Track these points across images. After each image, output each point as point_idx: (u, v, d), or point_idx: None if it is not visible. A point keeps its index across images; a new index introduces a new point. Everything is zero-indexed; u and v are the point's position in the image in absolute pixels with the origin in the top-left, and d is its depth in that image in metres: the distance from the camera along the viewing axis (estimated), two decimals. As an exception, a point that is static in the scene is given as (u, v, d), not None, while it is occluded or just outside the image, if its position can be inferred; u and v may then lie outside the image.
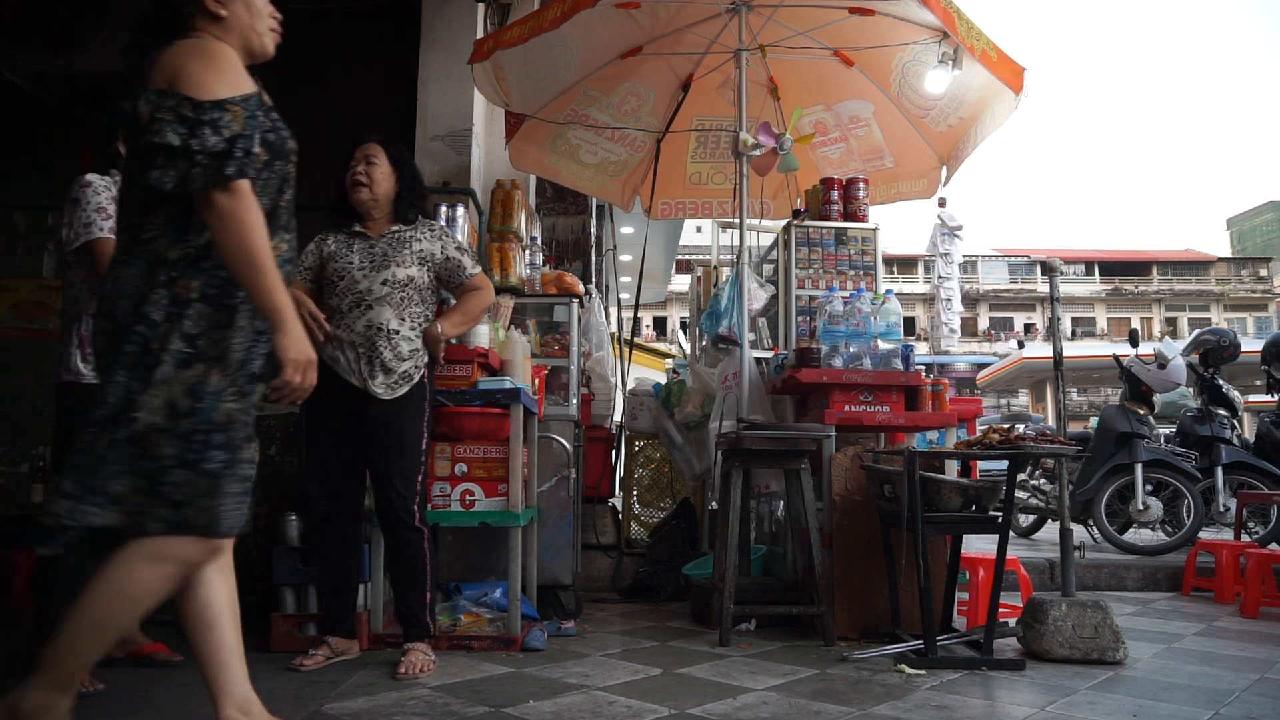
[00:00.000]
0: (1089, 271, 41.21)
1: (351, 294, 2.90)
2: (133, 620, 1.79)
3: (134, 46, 1.87)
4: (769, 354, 4.40)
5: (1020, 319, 40.23)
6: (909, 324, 36.27)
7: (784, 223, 4.62)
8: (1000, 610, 3.16)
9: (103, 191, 2.77)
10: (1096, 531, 5.66)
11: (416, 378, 2.93)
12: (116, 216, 1.92)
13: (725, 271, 5.07)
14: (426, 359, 2.99)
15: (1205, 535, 5.52)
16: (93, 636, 1.73)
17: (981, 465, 5.52)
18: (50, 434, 2.82)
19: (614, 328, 6.32)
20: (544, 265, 4.78)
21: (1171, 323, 39.16)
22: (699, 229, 16.93)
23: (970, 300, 37.78)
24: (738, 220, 4.24)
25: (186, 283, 1.76)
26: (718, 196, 5.54)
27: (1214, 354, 5.95)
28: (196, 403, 1.74)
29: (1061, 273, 3.58)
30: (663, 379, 5.46)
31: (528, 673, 2.79)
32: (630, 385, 5.67)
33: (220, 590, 1.84)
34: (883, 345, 3.73)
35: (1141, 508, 5.40)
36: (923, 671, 2.85)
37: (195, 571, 1.80)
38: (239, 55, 1.86)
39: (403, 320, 2.92)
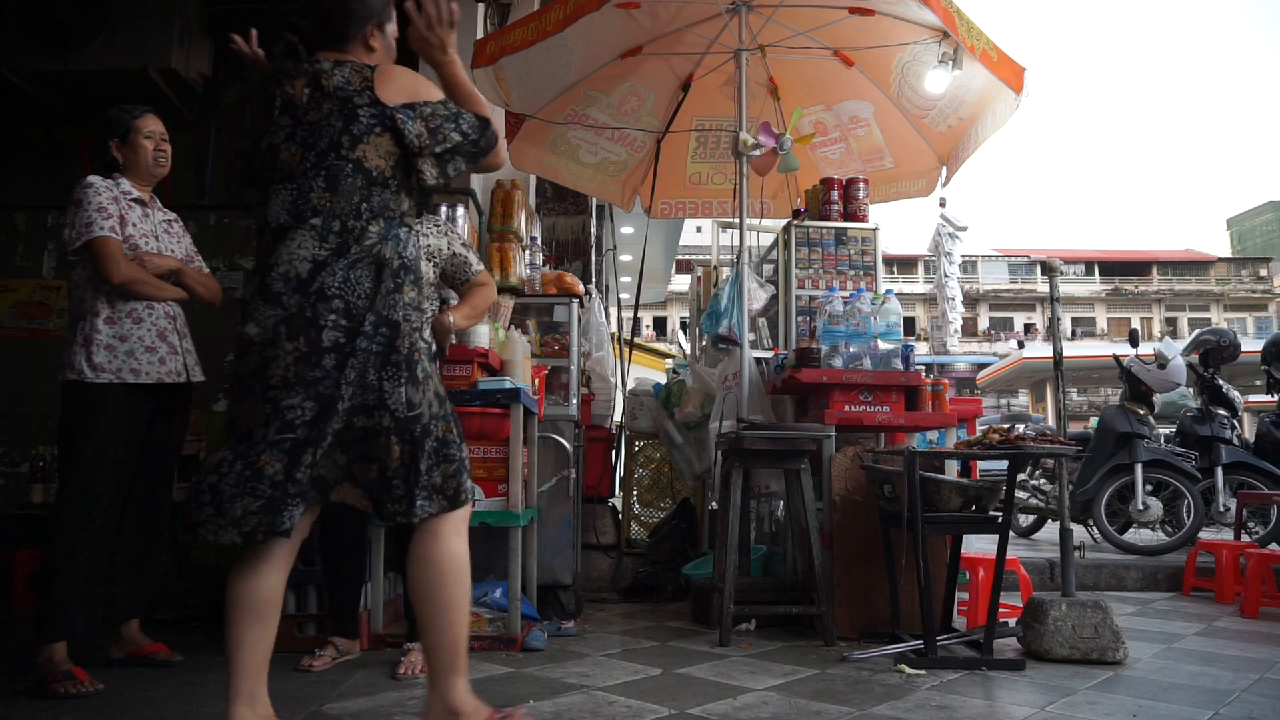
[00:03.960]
0: (1089, 271, 41.24)
1: None
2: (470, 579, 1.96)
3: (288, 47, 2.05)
4: (769, 354, 4.40)
5: (1020, 319, 40.26)
6: (909, 324, 36.29)
7: (784, 223, 4.62)
8: (1000, 610, 3.16)
9: (104, 192, 2.76)
10: (1096, 531, 5.66)
11: None
12: None
13: (725, 271, 5.07)
14: (434, 350, 2.96)
15: (1205, 535, 5.51)
16: (457, 619, 1.91)
17: (981, 465, 5.52)
18: (51, 433, 2.82)
19: (614, 328, 6.32)
20: (544, 265, 4.78)
21: (1171, 323, 39.18)
22: (699, 229, 16.93)
23: (970, 300, 37.80)
24: (738, 220, 4.24)
25: (410, 289, 1.94)
26: (718, 196, 5.55)
27: (1214, 354, 5.95)
28: (444, 389, 1.99)
29: (1061, 273, 3.58)
30: (663, 379, 5.46)
31: (528, 673, 2.79)
32: (630, 385, 5.67)
33: (283, 581, 1.93)
34: (883, 345, 3.73)
35: (1141, 508, 5.39)
36: (923, 671, 2.85)
37: (280, 555, 1.90)
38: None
39: None
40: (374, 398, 1.84)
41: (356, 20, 2.03)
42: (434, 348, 2.85)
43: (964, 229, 4.93)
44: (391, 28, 2.10)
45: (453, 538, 1.93)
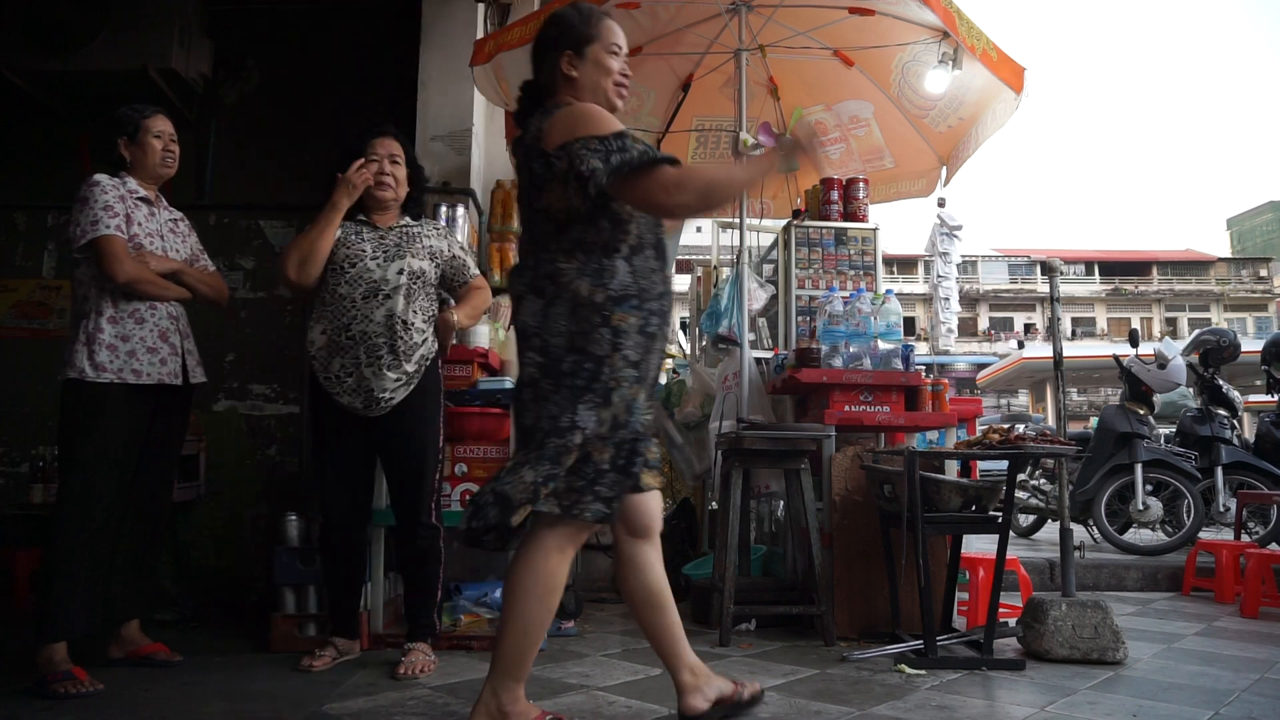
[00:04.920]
0: (1089, 271, 41.20)
1: (365, 283, 2.84)
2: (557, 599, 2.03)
3: (521, 113, 2.18)
4: (769, 354, 4.40)
5: (1020, 319, 40.22)
6: (909, 324, 36.22)
7: (784, 223, 4.62)
8: (1000, 610, 3.16)
9: (110, 190, 2.76)
10: (1096, 531, 5.66)
11: (424, 369, 2.92)
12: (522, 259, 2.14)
13: (725, 271, 5.07)
14: (435, 349, 2.98)
15: (1205, 535, 5.52)
16: (532, 634, 2.00)
17: (981, 465, 5.51)
18: (51, 433, 2.82)
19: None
20: (544, 265, 4.77)
21: (1171, 323, 39.15)
22: (699, 229, 16.85)
23: (970, 300, 37.76)
24: (738, 220, 4.24)
25: (624, 316, 1.98)
26: (718, 196, 5.53)
27: (1214, 354, 5.95)
28: (630, 417, 2.01)
29: (1061, 273, 3.58)
30: (663, 379, 5.46)
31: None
32: (630, 385, 5.66)
33: (660, 573, 2.18)
34: (883, 345, 3.73)
35: (1141, 508, 5.39)
36: (923, 671, 2.85)
37: (640, 556, 2.14)
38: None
39: (415, 313, 2.90)
40: (567, 421, 1.95)
41: (548, 62, 2.12)
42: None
43: (959, 227, 4.94)
44: (594, 50, 2.10)
45: (553, 554, 1.99)
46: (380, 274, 2.85)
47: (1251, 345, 7.30)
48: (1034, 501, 6.32)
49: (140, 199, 2.86)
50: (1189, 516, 5.37)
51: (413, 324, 2.88)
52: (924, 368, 4.35)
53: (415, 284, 2.90)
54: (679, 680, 2.16)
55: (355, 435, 2.90)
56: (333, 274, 2.86)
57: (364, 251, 2.88)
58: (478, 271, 3.14)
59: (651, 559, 2.16)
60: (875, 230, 4.50)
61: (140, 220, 2.82)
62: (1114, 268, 41.51)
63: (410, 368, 2.86)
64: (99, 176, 2.78)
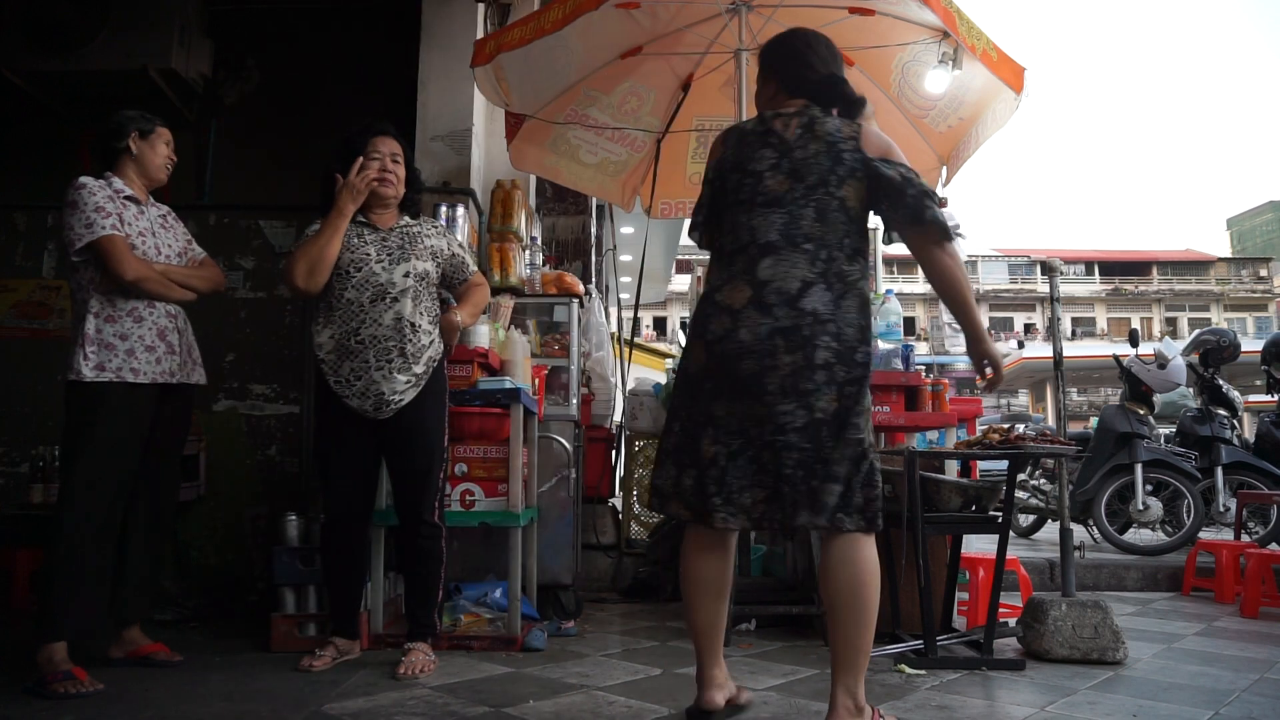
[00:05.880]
0: (1089, 271, 41.22)
1: (372, 286, 2.84)
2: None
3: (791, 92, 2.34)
4: (769, 354, 4.39)
5: (1020, 319, 40.23)
6: (909, 324, 36.25)
7: (784, 223, 4.61)
8: (1000, 610, 3.16)
9: (98, 192, 2.76)
10: (1096, 531, 5.66)
11: (431, 370, 2.93)
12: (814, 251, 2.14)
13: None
14: (441, 350, 2.99)
15: (1205, 535, 5.51)
16: (871, 620, 2.05)
17: (981, 465, 5.52)
18: (52, 433, 2.82)
19: (614, 328, 6.32)
20: (544, 265, 4.78)
21: (1171, 323, 39.15)
22: (699, 229, 16.86)
23: (970, 300, 37.70)
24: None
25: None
26: (718, 196, 5.52)
27: (1214, 354, 5.95)
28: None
29: (1061, 273, 3.58)
30: (663, 379, 5.46)
31: (528, 673, 2.79)
32: (630, 385, 5.67)
33: (731, 562, 2.30)
34: (883, 345, 3.73)
35: (1141, 508, 5.39)
36: (923, 671, 2.85)
37: (727, 541, 2.24)
38: None
39: (422, 314, 2.91)
40: (864, 426, 2.06)
41: (842, 77, 2.38)
42: (441, 347, 2.85)
43: (957, 227, 4.93)
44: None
45: (870, 548, 2.06)
46: (386, 277, 2.86)
47: (1251, 345, 7.30)
48: (1034, 501, 6.32)
49: (128, 198, 2.85)
50: (1189, 516, 5.37)
51: (420, 326, 2.88)
52: (924, 368, 4.35)
53: (420, 285, 2.92)
54: (710, 674, 2.19)
55: (362, 435, 2.90)
56: (339, 278, 2.86)
57: (369, 255, 2.88)
58: (476, 268, 3.15)
59: (732, 545, 2.27)
60: (875, 230, 4.50)
61: (130, 220, 2.82)
62: (1114, 268, 41.51)
63: (419, 369, 2.87)
64: (84, 179, 2.77)
